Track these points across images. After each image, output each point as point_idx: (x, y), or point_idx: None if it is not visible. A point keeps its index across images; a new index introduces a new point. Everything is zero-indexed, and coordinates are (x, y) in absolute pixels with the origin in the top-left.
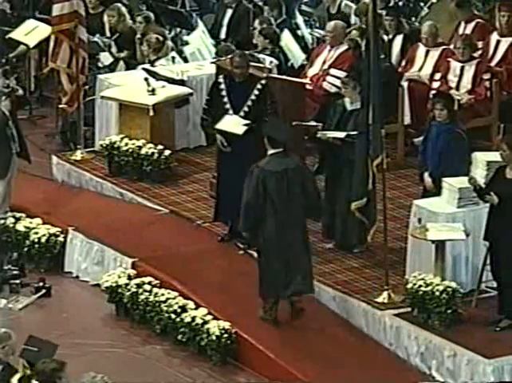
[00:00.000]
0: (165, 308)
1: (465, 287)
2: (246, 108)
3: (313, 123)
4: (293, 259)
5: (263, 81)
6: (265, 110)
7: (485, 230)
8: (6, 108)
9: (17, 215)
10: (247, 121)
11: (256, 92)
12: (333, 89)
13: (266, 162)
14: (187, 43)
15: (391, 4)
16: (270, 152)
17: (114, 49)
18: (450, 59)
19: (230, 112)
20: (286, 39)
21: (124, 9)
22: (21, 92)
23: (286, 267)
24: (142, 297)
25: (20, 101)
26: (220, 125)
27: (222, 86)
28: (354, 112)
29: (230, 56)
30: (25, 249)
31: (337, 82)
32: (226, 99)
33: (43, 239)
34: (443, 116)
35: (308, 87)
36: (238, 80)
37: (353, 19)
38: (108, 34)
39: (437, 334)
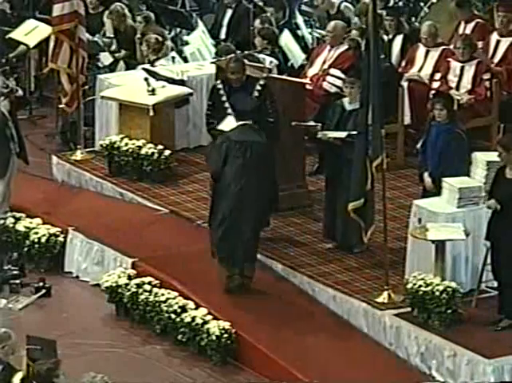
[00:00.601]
0: (165, 308)
1: (465, 287)
2: (247, 111)
3: (312, 123)
4: (243, 231)
5: (261, 82)
6: (265, 110)
7: (487, 230)
8: (5, 108)
9: (17, 215)
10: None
11: (256, 93)
12: (333, 89)
13: (232, 132)
14: (187, 43)
15: (391, 4)
16: (238, 123)
17: (114, 47)
18: (450, 59)
19: (233, 116)
20: (286, 39)
21: (126, 8)
22: (20, 92)
23: (236, 237)
24: (142, 297)
25: (20, 102)
26: (222, 126)
27: (222, 91)
28: (353, 113)
29: (225, 60)
30: (25, 249)
31: (337, 82)
32: (226, 104)
33: (43, 239)
34: (442, 116)
35: (308, 87)
36: (235, 86)
37: (354, 20)
38: (108, 34)
39: (437, 334)
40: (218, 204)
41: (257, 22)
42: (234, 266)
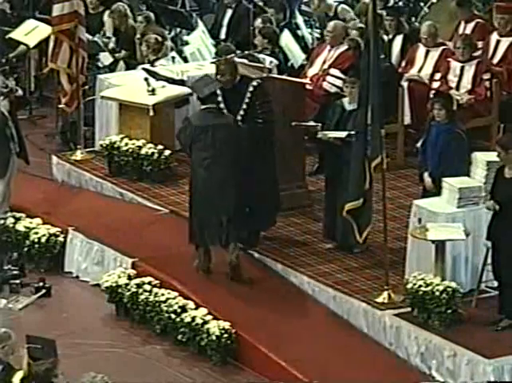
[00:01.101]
0: (165, 308)
1: (465, 287)
2: (242, 112)
3: (312, 123)
4: (220, 212)
5: (254, 83)
6: (255, 111)
7: (487, 230)
8: (5, 108)
9: (17, 215)
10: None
11: (249, 94)
12: (333, 89)
13: (196, 116)
14: (187, 43)
15: (391, 4)
16: (203, 106)
17: (112, 45)
18: (450, 59)
19: None
20: (286, 39)
21: (128, 9)
22: (20, 92)
23: (213, 216)
24: (142, 297)
25: (20, 102)
26: None
27: (218, 92)
28: (353, 113)
29: (215, 62)
30: (25, 249)
31: (337, 82)
32: (222, 105)
33: (43, 239)
34: (441, 115)
35: (308, 87)
36: (226, 88)
37: (350, 23)
38: (108, 34)
39: (437, 334)
40: (192, 191)
41: (258, 22)
42: (206, 249)
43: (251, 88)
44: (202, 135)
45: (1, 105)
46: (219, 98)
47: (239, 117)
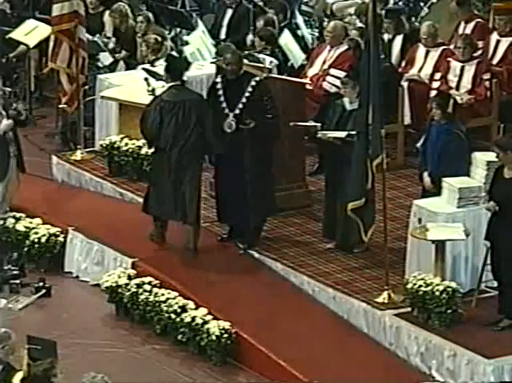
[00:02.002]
0: (165, 308)
1: (465, 287)
2: (240, 106)
3: (311, 123)
4: (182, 188)
5: (257, 78)
6: (262, 107)
7: (486, 230)
8: (9, 127)
9: (17, 215)
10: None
11: (250, 89)
12: (333, 89)
13: (166, 93)
14: (187, 43)
15: (391, 4)
16: (171, 84)
17: (112, 45)
18: (450, 59)
19: (226, 110)
20: (286, 39)
21: (127, 9)
22: (24, 116)
23: (173, 193)
24: (142, 297)
25: (23, 123)
26: None
27: (219, 85)
28: (353, 112)
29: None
30: (25, 249)
31: (337, 82)
32: (222, 98)
33: (43, 239)
34: (438, 115)
35: (308, 87)
36: (230, 78)
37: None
38: (107, 34)
39: (437, 334)
40: (157, 166)
41: (260, 23)
42: (163, 223)
43: (253, 83)
44: (174, 110)
45: (5, 124)
46: (219, 88)
47: (237, 111)
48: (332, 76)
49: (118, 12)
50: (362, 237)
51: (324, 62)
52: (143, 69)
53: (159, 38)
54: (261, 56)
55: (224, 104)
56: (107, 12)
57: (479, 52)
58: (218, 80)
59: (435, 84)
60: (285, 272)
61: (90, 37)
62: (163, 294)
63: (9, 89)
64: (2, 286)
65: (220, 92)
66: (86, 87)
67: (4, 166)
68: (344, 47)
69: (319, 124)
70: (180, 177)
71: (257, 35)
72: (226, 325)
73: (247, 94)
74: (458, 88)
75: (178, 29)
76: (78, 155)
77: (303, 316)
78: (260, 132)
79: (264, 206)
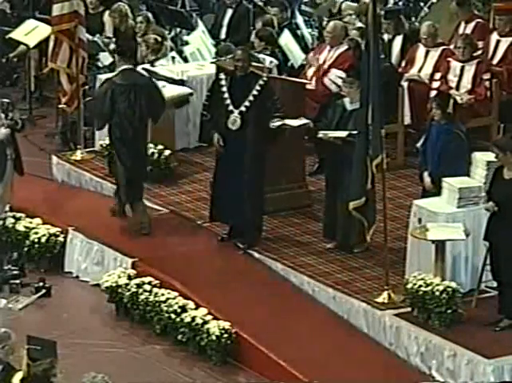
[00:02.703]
0: (165, 308)
1: (465, 287)
2: (247, 103)
3: (303, 120)
4: (135, 167)
5: (265, 79)
6: (268, 108)
7: (485, 231)
8: (6, 134)
9: (17, 215)
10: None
11: (258, 88)
12: (333, 86)
13: (117, 76)
14: (187, 43)
15: (391, 5)
16: (122, 67)
17: (113, 46)
18: (450, 59)
19: (230, 107)
20: (286, 39)
21: (127, 9)
22: (20, 125)
23: (128, 173)
24: (142, 297)
25: (19, 131)
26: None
27: (223, 82)
28: (354, 112)
29: (225, 60)
30: (25, 249)
31: (339, 81)
32: (226, 95)
33: (43, 239)
34: (437, 115)
35: (308, 87)
36: (239, 74)
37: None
38: (107, 34)
39: (437, 334)
40: (118, 151)
41: (259, 23)
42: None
43: (261, 82)
44: (125, 93)
45: (3, 132)
46: (223, 85)
47: (243, 108)
48: (334, 74)
49: (118, 12)
50: (366, 236)
51: (324, 62)
52: (143, 68)
53: (159, 38)
54: (261, 56)
55: (228, 101)
56: (107, 12)
57: (479, 52)
58: (223, 76)
59: (435, 84)
60: (285, 272)
61: (90, 37)
62: (163, 294)
63: (7, 100)
64: (2, 286)
65: (224, 88)
66: (86, 87)
67: (1, 169)
68: (344, 47)
69: (309, 121)
70: (130, 153)
71: (257, 35)
72: (226, 325)
73: (255, 93)
74: (458, 88)
75: (178, 29)
76: (78, 155)
77: (303, 316)
78: (263, 132)
79: (259, 205)
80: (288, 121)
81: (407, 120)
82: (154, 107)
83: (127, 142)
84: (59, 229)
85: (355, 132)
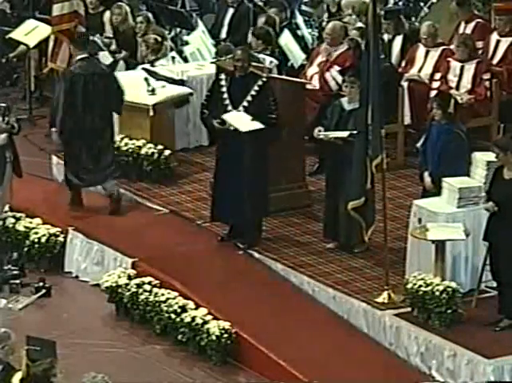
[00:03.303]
0: (165, 308)
1: (465, 287)
2: (245, 103)
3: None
4: (98, 154)
5: (264, 79)
6: (266, 107)
7: (484, 231)
8: (3, 141)
9: (17, 215)
10: (255, 124)
11: (256, 88)
12: (333, 83)
13: (77, 65)
14: (187, 43)
15: (391, 4)
16: (79, 56)
17: (114, 47)
18: (450, 59)
19: (229, 107)
20: (286, 39)
21: (128, 8)
22: (16, 129)
23: (89, 160)
24: (142, 297)
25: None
26: (226, 117)
27: (223, 82)
28: (353, 112)
29: (225, 60)
30: (25, 249)
31: (338, 78)
32: (225, 94)
33: (43, 239)
34: (438, 115)
35: (308, 87)
36: (238, 75)
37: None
38: (107, 34)
39: (437, 334)
40: (71, 135)
41: (260, 22)
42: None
43: (260, 83)
44: (81, 83)
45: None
46: (223, 85)
47: (241, 108)
48: (336, 70)
49: (117, 12)
50: (364, 237)
51: (327, 60)
52: (143, 68)
53: (159, 38)
54: (261, 56)
55: (227, 101)
56: (107, 12)
57: (479, 52)
58: (223, 76)
59: (435, 84)
60: (285, 272)
61: (90, 37)
62: (163, 294)
63: (4, 105)
64: (2, 286)
65: (224, 88)
66: None
67: (1, 171)
68: (344, 47)
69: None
70: (97, 143)
71: (253, 34)
72: (226, 325)
73: (253, 93)
74: (458, 88)
75: (178, 29)
76: None
77: (303, 316)
78: (261, 132)
79: (260, 206)
80: (334, 133)
81: (407, 120)
82: (112, 96)
83: (84, 134)
84: (59, 229)
85: (355, 132)
